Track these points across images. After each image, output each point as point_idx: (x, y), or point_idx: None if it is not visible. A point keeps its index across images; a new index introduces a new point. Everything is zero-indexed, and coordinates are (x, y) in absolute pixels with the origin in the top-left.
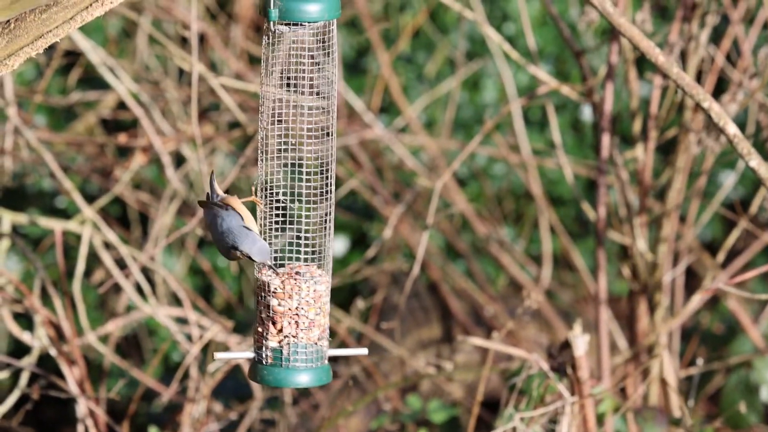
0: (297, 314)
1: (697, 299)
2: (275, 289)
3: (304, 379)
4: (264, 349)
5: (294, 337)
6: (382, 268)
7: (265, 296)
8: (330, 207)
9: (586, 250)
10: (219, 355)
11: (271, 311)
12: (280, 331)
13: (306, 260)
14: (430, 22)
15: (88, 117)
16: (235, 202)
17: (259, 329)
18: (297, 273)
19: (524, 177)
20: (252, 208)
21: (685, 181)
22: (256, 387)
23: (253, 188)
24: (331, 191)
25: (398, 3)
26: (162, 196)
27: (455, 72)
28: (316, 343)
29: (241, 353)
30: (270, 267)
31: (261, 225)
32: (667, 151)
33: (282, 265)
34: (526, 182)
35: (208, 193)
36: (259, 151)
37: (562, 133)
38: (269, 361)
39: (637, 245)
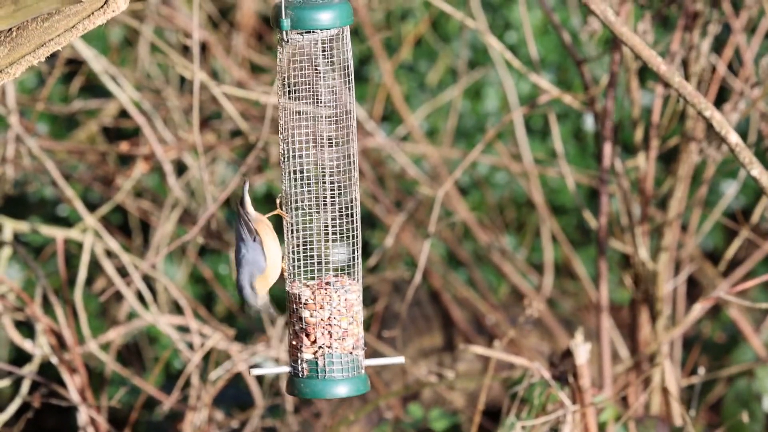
0: (330, 324)
1: (699, 308)
2: (306, 300)
3: (342, 390)
4: (299, 361)
5: (328, 347)
6: (384, 276)
7: (296, 308)
8: (355, 216)
9: (587, 259)
10: (255, 371)
11: (303, 323)
12: (314, 342)
13: (334, 270)
14: (432, 31)
15: (90, 125)
16: (265, 230)
17: (294, 342)
18: (327, 283)
19: (526, 186)
20: (276, 224)
21: (686, 190)
22: (257, 395)
23: (278, 201)
24: (354, 198)
25: (400, 12)
26: (163, 204)
27: (457, 81)
28: (351, 353)
29: (277, 368)
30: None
31: (287, 241)
32: (668, 160)
33: (312, 278)
34: (527, 191)
35: (241, 200)
36: (281, 164)
37: (563, 142)
38: (305, 373)
39: (638, 254)
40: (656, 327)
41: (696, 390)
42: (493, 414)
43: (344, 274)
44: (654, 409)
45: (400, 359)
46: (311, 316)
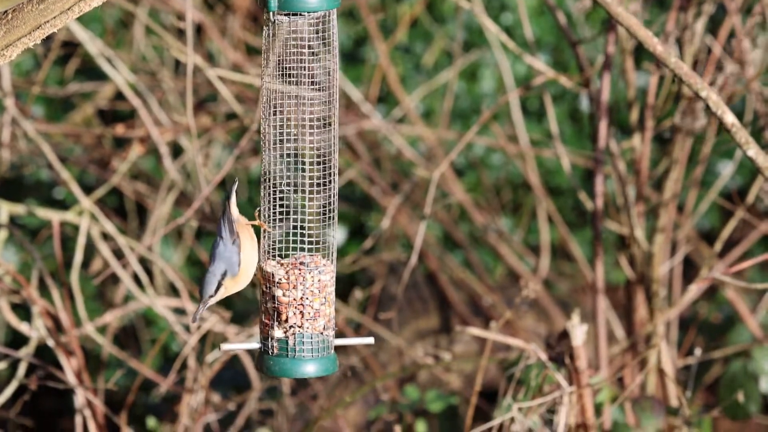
0: (302, 304)
1: (695, 289)
2: (280, 279)
3: (310, 369)
4: (270, 339)
5: (299, 327)
6: (380, 258)
7: (269, 287)
8: (333, 197)
9: (583, 240)
10: (225, 346)
11: (276, 302)
12: (286, 321)
13: (310, 250)
14: (427, 12)
15: (86, 108)
16: (245, 234)
17: (265, 320)
18: (301, 263)
19: (522, 167)
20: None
21: (682, 171)
22: (254, 377)
23: (257, 213)
24: (333, 181)
25: None
26: (159, 186)
27: (453, 62)
28: (321, 333)
29: (246, 344)
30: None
31: (265, 246)
32: (664, 140)
33: (286, 256)
34: (523, 172)
35: (227, 198)
36: (261, 143)
37: (559, 123)
38: (275, 351)
39: (634, 235)
40: (652, 308)
41: (692, 371)
42: (490, 395)
43: (319, 254)
44: (650, 390)
45: (369, 340)
46: (284, 295)
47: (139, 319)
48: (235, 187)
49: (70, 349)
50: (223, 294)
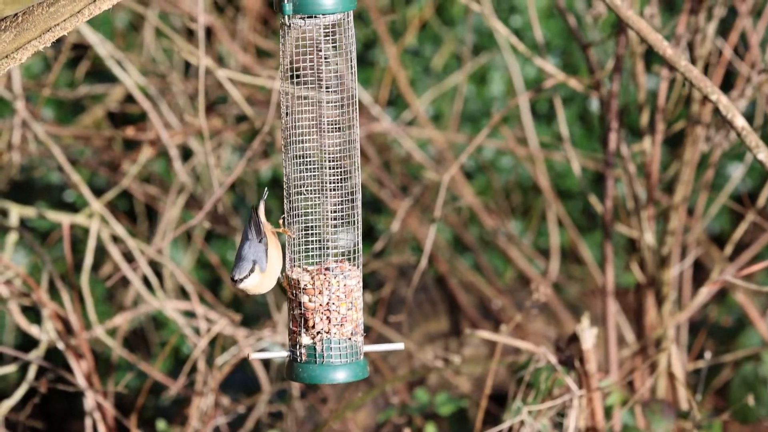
0: (328, 310)
1: (705, 292)
2: (305, 285)
3: (340, 375)
4: (298, 346)
5: (327, 333)
6: (390, 261)
7: (296, 293)
8: (355, 201)
9: (593, 244)
10: (255, 355)
11: (302, 308)
12: (313, 327)
13: (335, 256)
14: (436, 15)
15: (96, 110)
16: (272, 239)
17: (293, 327)
18: (327, 269)
19: (532, 170)
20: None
21: (692, 174)
22: (263, 380)
23: (281, 221)
24: (355, 185)
25: None
26: (169, 189)
27: (462, 65)
28: (349, 338)
29: (276, 352)
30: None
31: (290, 253)
32: (674, 144)
33: (312, 263)
34: (533, 175)
35: (255, 207)
36: (282, 149)
37: (569, 126)
38: (304, 358)
39: (644, 238)
40: (662, 311)
41: (702, 374)
42: (500, 398)
43: (345, 259)
44: (660, 394)
45: (399, 346)
46: (310, 301)
47: (149, 322)
48: (265, 196)
49: (80, 352)
50: (251, 284)
